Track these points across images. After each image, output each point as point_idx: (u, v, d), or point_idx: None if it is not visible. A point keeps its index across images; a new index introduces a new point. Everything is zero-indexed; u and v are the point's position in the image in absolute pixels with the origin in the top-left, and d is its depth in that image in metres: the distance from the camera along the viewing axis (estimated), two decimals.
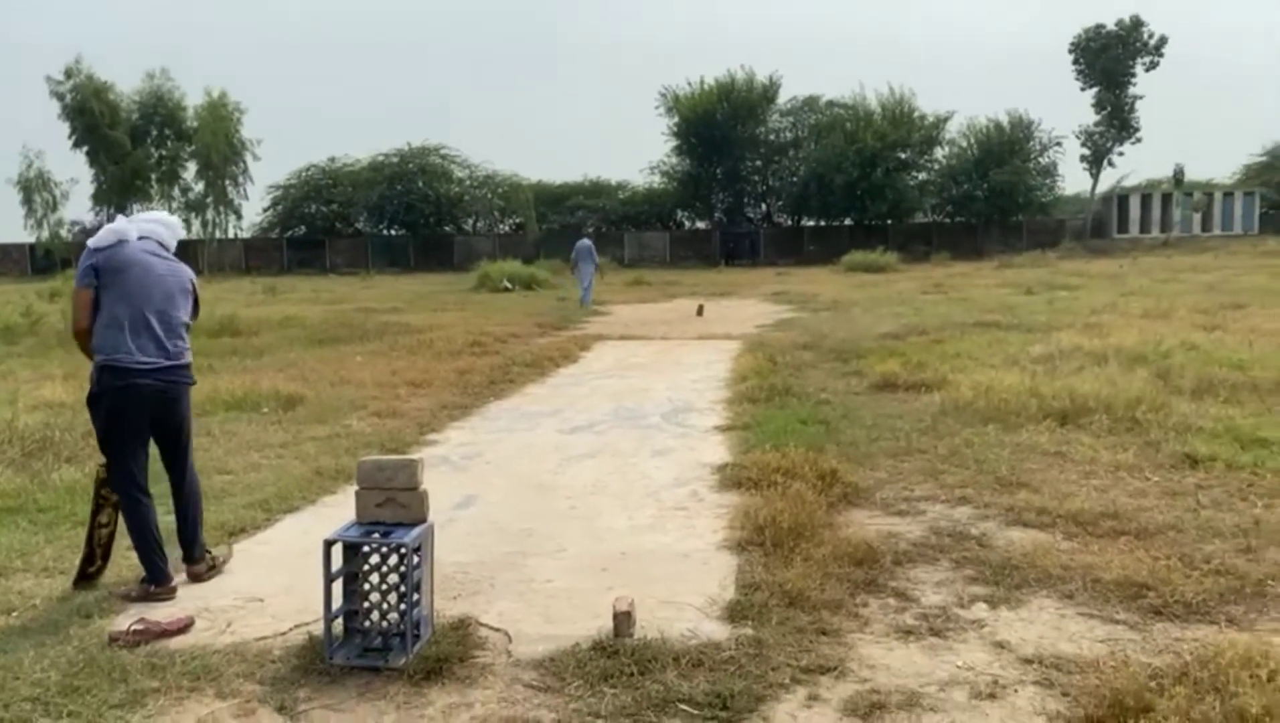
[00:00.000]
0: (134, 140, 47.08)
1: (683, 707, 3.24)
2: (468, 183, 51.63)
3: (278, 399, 9.27)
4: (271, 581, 4.52)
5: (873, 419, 7.87)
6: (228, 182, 48.31)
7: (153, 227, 4.72)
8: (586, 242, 23.91)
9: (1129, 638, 3.73)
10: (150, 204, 47.51)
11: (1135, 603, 4.03)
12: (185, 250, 47.45)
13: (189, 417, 4.75)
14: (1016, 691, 3.35)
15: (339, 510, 5.48)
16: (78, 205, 77.66)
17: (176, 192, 48.88)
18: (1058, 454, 6.52)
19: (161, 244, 4.71)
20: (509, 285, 28.17)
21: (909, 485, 5.94)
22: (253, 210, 54.10)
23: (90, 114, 45.53)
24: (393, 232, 50.72)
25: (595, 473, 6.55)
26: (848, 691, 3.37)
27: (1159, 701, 3.04)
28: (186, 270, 4.81)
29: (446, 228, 50.65)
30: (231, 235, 49.49)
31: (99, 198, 47.54)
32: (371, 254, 48.49)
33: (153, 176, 48.38)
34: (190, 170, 48.63)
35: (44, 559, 4.86)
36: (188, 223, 49.95)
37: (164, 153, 48.71)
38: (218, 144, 46.79)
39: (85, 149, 46.67)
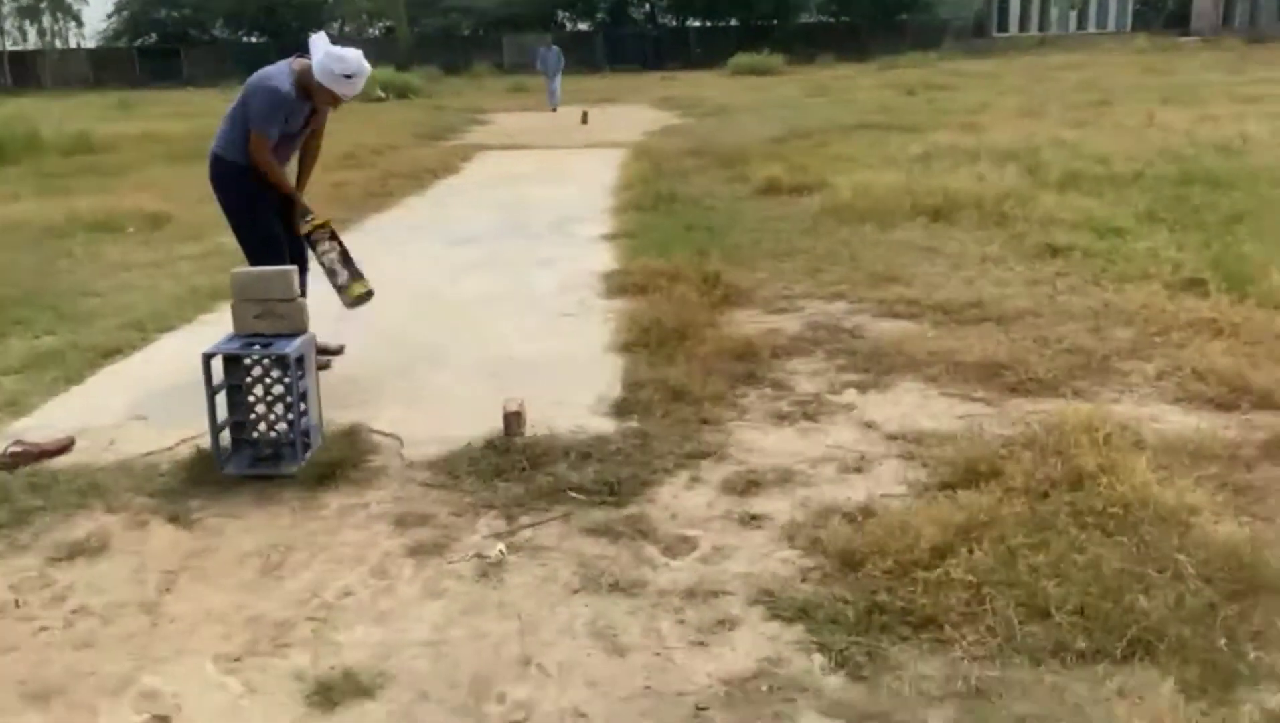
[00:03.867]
0: None
1: (573, 494, 3.40)
2: None
3: (143, 218, 8.85)
4: (153, 400, 4.46)
5: (756, 223, 7.99)
6: None
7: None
8: (555, 49, 24.53)
9: (985, 413, 4.03)
10: None
11: (992, 382, 4.32)
12: (23, 62, 44.02)
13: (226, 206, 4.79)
14: (881, 464, 3.61)
15: (216, 330, 5.35)
16: None
17: None
18: (929, 249, 6.78)
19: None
20: (382, 94, 26.82)
21: (789, 285, 6.11)
22: (96, 17, 49.57)
23: None
24: (254, 39, 47.26)
25: (482, 284, 6.53)
26: (726, 471, 3.58)
27: (1008, 465, 3.32)
28: (251, 81, 4.61)
29: (312, 33, 47.32)
30: (74, 45, 45.49)
31: None
32: (232, 64, 45.17)
33: None
34: None
35: None
36: (22, 32, 45.67)
37: None
38: None
39: None
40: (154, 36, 47.92)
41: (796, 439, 3.87)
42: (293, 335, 3.66)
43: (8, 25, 45.38)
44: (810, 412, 4.11)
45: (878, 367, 4.59)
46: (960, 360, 4.55)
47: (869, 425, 3.96)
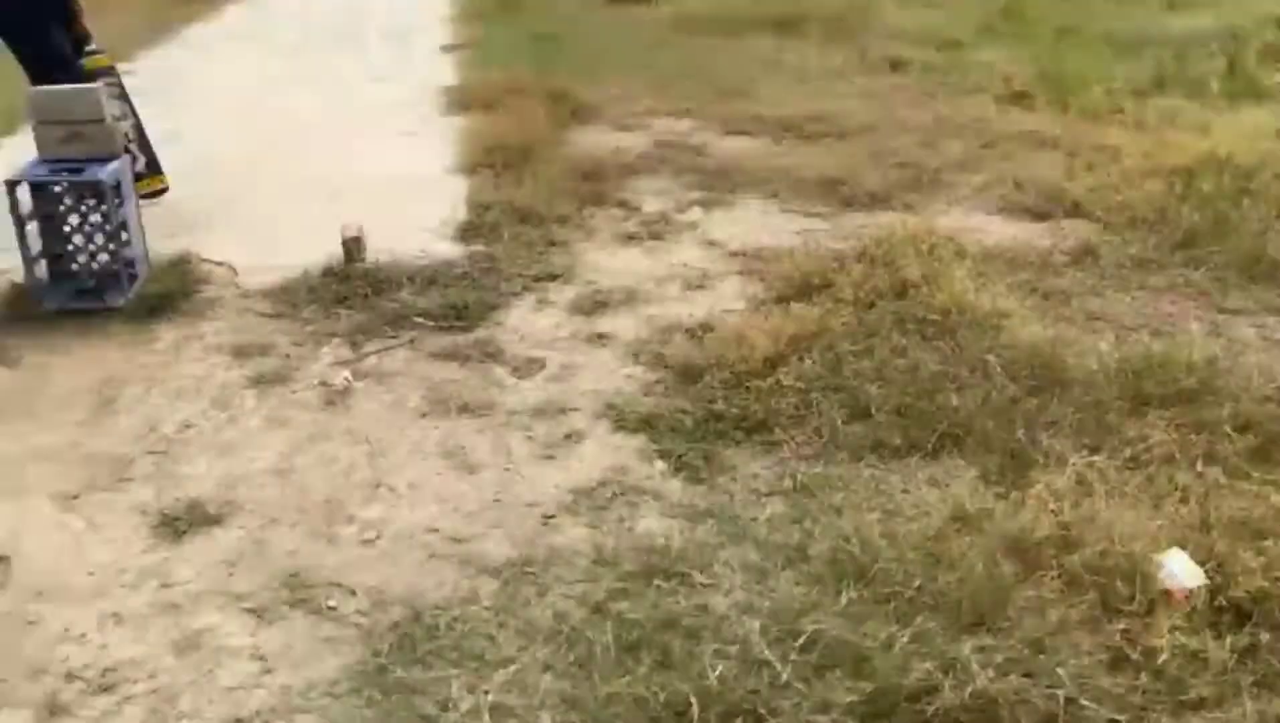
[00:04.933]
0: None
1: (418, 320, 3.38)
2: None
3: None
4: None
5: (604, 34, 7.76)
6: None
7: None
8: None
9: (822, 228, 4.16)
10: None
11: (830, 197, 4.45)
12: None
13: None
14: (722, 281, 3.72)
15: (19, 153, 4.94)
16: None
17: None
18: (775, 62, 6.76)
19: None
20: None
21: (637, 101, 6.02)
22: None
23: None
24: None
25: (313, 100, 6.18)
26: (574, 292, 3.62)
27: (839, 276, 3.47)
28: None
29: None
30: None
31: None
32: None
33: None
34: None
35: None
36: None
37: None
38: None
39: None
40: None
41: (643, 258, 3.92)
42: (106, 159, 3.41)
43: None
44: (656, 231, 4.16)
45: (722, 184, 4.65)
46: (800, 176, 4.65)
47: (712, 243, 4.05)
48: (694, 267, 3.82)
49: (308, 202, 4.47)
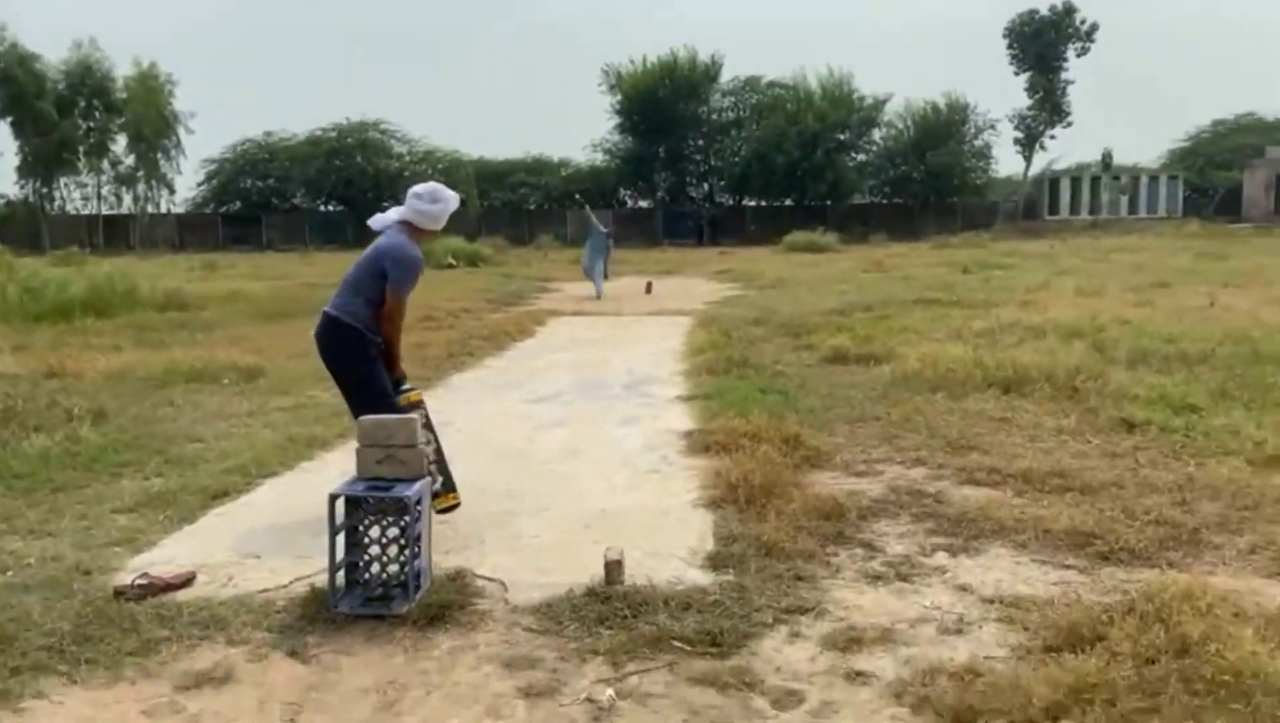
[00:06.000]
0: (60, 111, 45.70)
1: (676, 643, 3.47)
2: (407, 159, 50.92)
3: (237, 371, 9.28)
4: (263, 539, 4.64)
5: (827, 389, 8.17)
6: (159, 155, 47.33)
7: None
8: (604, 228, 20.06)
9: (1079, 581, 4.05)
10: (79, 176, 46.51)
11: (1083, 551, 4.36)
12: (115, 225, 46.99)
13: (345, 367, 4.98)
14: (980, 627, 3.64)
15: (317, 476, 5.61)
16: (2, 178, 75.26)
17: (106, 165, 47.80)
18: (1003, 420, 6.87)
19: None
20: (453, 261, 28.03)
21: (866, 449, 6.24)
22: (186, 185, 53.05)
23: (15, 83, 44.09)
24: (330, 207, 50.02)
25: (566, 440, 6.75)
26: (826, 628, 3.63)
27: (1111, 631, 3.34)
28: (384, 249, 4.95)
29: (385, 204, 49.67)
30: (164, 210, 48.50)
31: (24, 170, 46.37)
32: (309, 231, 47.73)
33: (80, 149, 47.16)
34: (120, 143, 47.59)
35: (28, 522, 4.91)
36: (118, 197, 48.78)
37: (92, 125, 47.50)
38: (149, 116, 45.80)
39: (9, 120, 45.29)
40: (238, 203, 50.91)
41: (892, 599, 3.92)
42: (411, 480, 3.86)
43: (105, 191, 48.58)
44: (903, 573, 4.17)
45: (965, 531, 4.65)
46: (1048, 528, 4.59)
47: (963, 588, 4.00)
48: (948, 611, 3.77)
49: (568, 527, 4.79)
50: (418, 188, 5.00)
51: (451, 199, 4.98)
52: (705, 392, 8.16)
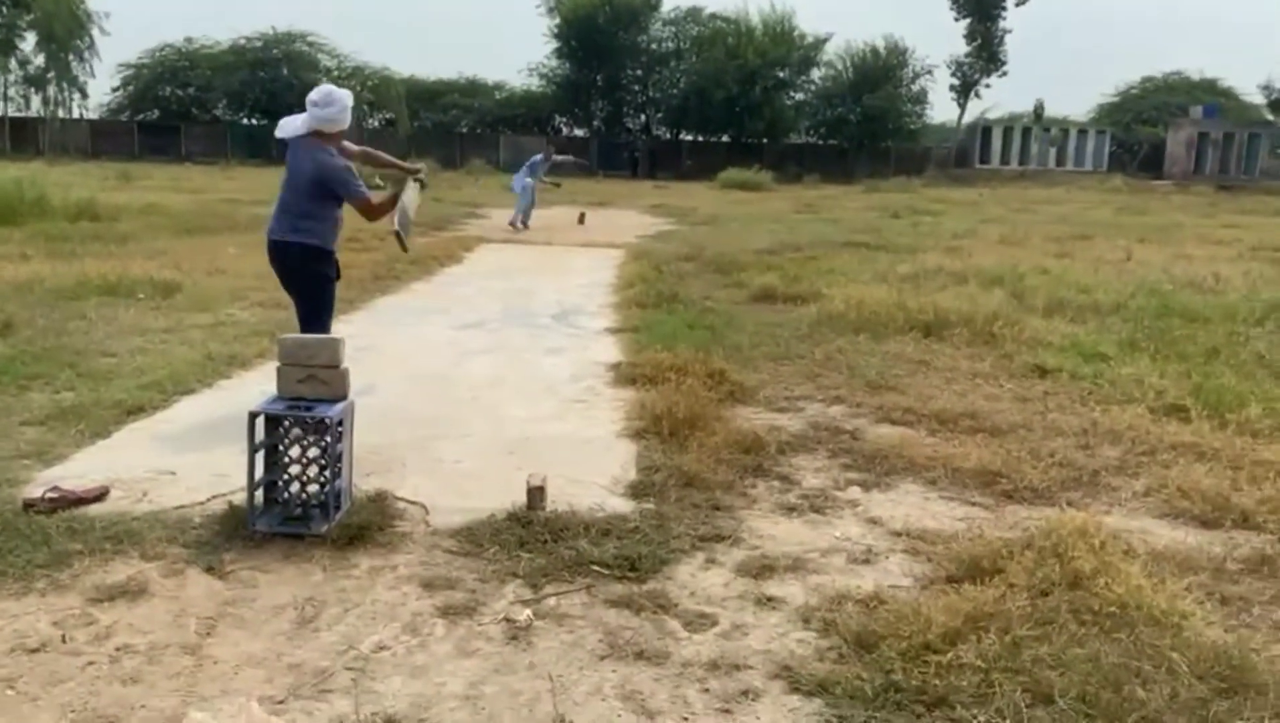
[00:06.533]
0: None
1: (595, 567, 3.54)
2: (335, 74, 49.11)
3: (154, 286, 9.02)
4: (180, 456, 4.58)
5: (754, 326, 8.27)
6: (71, 56, 44.92)
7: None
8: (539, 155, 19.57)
9: (984, 517, 4.23)
10: None
11: (990, 489, 4.54)
12: (23, 128, 44.66)
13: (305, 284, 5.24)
14: (888, 557, 3.79)
15: (236, 395, 5.53)
16: None
17: (13, 64, 45.22)
18: (922, 362, 7.05)
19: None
20: (380, 182, 27.35)
21: (789, 386, 6.35)
22: (100, 90, 50.55)
23: None
24: (254, 120, 48.18)
25: (492, 367, 6.74)
26: (740, 555, 3.74)
27: (1009, 564, 3.50)
28: (319, 177, 5.14)
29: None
30: (76, 115, 46.24)
31: None
32: (231, 143, 45.94)
33: None
34: (29, 41, 44.99)
35: None
36: (25, 99, 46.38)
37: None
38: (60, 13, 43.30)
39: None
40: (156, 112, 48.73)
41: (805, 530, 4.04)
42: (334, 401, 3.83)
43: (11, 92, 46.10)
44: (817, 505, 4.30)
45: (879, 467, 4.80)
46: (958, 466, 4.76)
47: (874, 521, 4.15)
48: (858, 542, 3.91)
49: (491, 453, 4.82)
50: (313, 95, 5.21)
51: (345, 95, 5.20)
52: (634, 325, 8.20)
